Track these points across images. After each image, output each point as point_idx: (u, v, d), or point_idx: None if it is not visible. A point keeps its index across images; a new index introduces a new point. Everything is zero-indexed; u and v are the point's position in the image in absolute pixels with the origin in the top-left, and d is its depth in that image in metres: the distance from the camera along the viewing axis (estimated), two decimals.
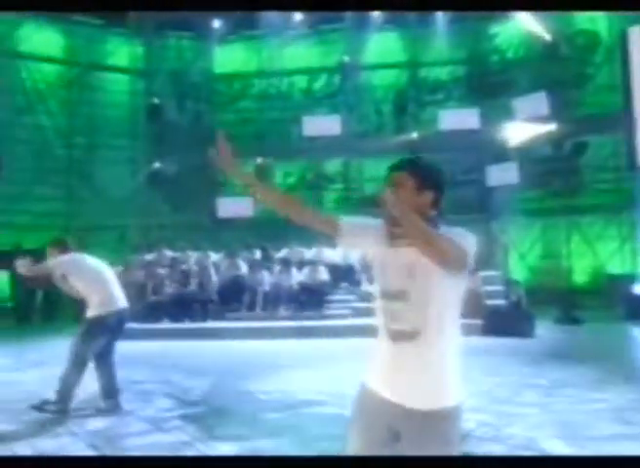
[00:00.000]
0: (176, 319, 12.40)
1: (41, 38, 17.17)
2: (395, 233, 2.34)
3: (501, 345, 10.25)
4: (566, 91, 15.05)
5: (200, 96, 18.02)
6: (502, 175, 14.88)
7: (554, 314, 12.49)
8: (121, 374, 8.78)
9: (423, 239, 2.19)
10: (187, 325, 12.32)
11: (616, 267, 14.25)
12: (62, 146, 17.15)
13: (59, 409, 6.18)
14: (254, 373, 8.52)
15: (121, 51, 17.91)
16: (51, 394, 6.31)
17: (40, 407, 6.19)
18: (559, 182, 14.94)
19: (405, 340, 2.33)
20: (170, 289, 12.76)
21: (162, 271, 13.35)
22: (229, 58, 18.05)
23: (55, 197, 16.67)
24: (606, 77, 14.91)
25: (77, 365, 6.19)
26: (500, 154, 15.19)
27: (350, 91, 17.21)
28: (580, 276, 14.66)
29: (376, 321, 2.48)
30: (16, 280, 15.43)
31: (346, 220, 2.45)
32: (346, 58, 16.79)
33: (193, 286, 12.84)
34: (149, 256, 14.39)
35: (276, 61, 17.80)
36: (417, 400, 2.31)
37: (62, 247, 6.51)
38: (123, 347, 11.06)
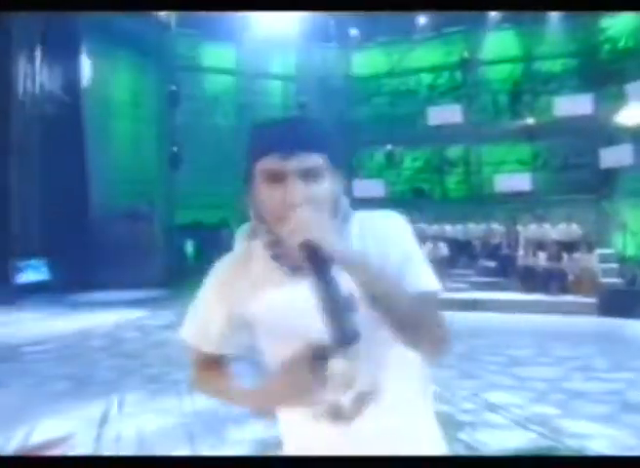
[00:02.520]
0: None
1: (217, 54, 17.36)
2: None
3: (622, 328, 7.83)
4: None
5: (341, 95, 16.73)
6: (616, 158, 12.27)
7: None
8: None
9: (399, 320, 0.99)
10: None
11: None
12: (232, 140, 16.68)
13: None
14: None
15: (277, 60, 17.06)
16: None
17: None
18: None
19: (351, 417, 1.10)
20: None
21: None
22: (365, 61, 17.18)
23: (226, 181, 16.21)
24: None
25: None
26: (614, 137, 12.46)
27: (470, 84, 15.29)
28: None
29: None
30: (196, 248, 15.46)
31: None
32: (466, 54, 14.76)
33: None
34: None
35: (405, 62, 16.85)
36: None
37: None
38: None
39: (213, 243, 16.49)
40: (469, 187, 15.90)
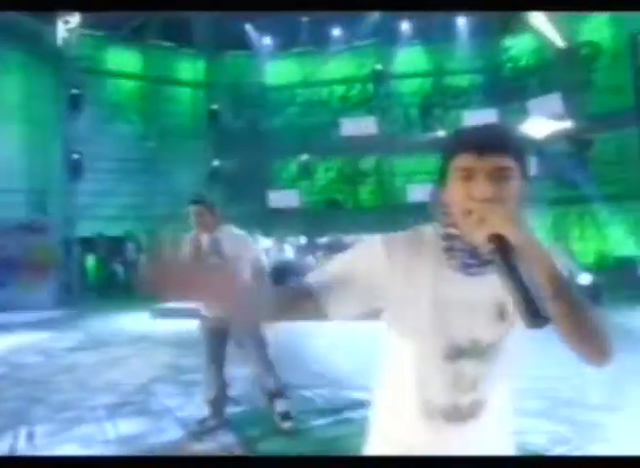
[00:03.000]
0: None
1: (122, 58, 16.75)
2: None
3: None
4: (573, 93, 13.80)
5: (254, 104, 16.65)
6: None
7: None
8: (164, 359, 7.11)
9: (576, 318, 1.04)
10: None
11: (623, 250, 12.30)
12: (139, 149, 15.92)
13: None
14: (296, 361, 6.64)
15: (187, 67, 16.85)
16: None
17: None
18: (569, 175, 13.04)
19: (464, 419, 1.17)
20: None
21: None
22: (279, 71, 17.08)
23: (132, 192, 15.46)
24: (609, 80, 13.14)
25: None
26: None
27: (382, 97, 15.66)
28: (589, 257, 13.38)
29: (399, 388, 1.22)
30: (99, 262, 14.54)
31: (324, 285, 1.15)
32: (379, 67, 15.12)
33: None
34: None
35: (318, 73, 17.07)
36: None
37: (208, 205, 4.02)
38: (164, 327, 9.45)
39: (117, 257, 15.59)
40: (383, 197, 16.32)
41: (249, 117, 17.13)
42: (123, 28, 15.30)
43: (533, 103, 13.45)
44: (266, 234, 13.99)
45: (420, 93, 16.40)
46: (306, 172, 16.57)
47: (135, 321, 10.37)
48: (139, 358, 7.07)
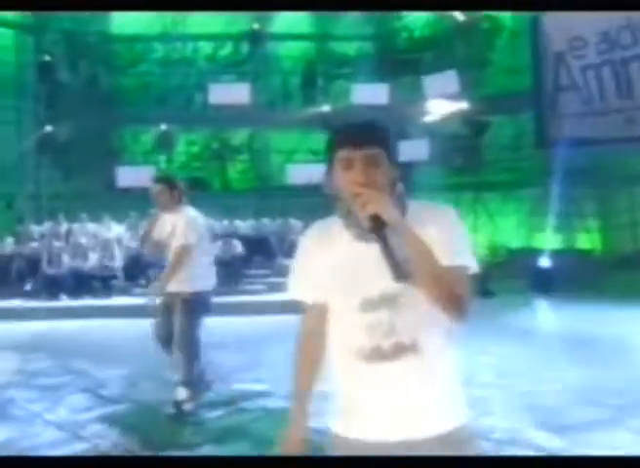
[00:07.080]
0: (75, 296, 10.80)
1: None
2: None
3: None
4: (470, 71, 14.71)
5: (96, 57, 16.09)
6: (412, 152, 14.24)
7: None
8: (16, 364, 7.31)
9: (432, 278, 1.64)
10: (90, 302, 10.72)
11: (515, 241, 13.92)
12: None
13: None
14: None
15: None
16: None
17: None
18: (462, 160, 14.47)
19: (390, 359, 1.71)
20: (68, 263, 11.09)
21: (58, 244, 11.66)
22: (129, 19, 16.13)
23: None
24: (508, 60, 14.59)
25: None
26: (408, 130, 14.62)
27: (257, 60, 15.94)
28: (482, 249, 14.40)
29: (333, 341, 1.84)
30: None
31: (313, 298, 1.87)
32: (255, 26, 15.44)
33: (93, 260, 11.24)
34: (42, 228, 12.65)
35: (180, 26, 16.42)
36: (417, 428, 1.71)
37: (174, 185, 4.81)
38: (15, 329, 9.45)
39: None
40: (257, 178, 16.85)
41: (90, 73, 16.60)
42: None
43: (427, 80, 14.16)
44: (115, 218, 13.82)
45: (301, 58, 16.54)
46: (164, 144, 16.46)
47: None
48: None
